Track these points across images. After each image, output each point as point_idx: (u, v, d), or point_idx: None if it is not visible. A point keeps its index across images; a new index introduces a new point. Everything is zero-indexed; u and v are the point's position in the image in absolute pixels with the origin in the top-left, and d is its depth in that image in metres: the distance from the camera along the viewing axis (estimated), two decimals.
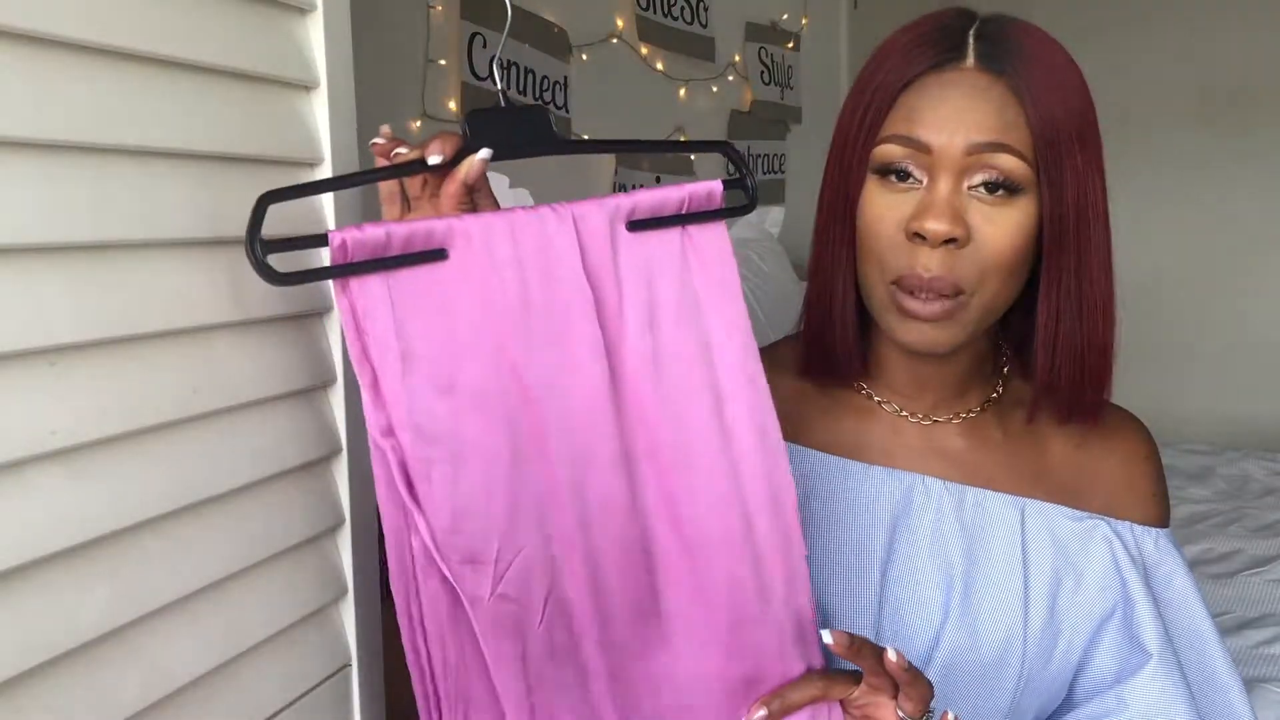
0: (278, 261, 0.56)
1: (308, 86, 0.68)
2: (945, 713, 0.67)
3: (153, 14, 0.56)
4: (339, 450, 0.71)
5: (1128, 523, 0.84)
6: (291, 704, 0.66)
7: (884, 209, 0.76)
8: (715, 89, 2.62)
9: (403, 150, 0.64)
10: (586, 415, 0.62)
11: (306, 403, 0.68)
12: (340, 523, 0.71)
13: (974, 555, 0.82)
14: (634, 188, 2.26)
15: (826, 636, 0.66)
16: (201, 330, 0.60)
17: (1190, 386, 3.17)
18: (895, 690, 0.67)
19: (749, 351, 0.67)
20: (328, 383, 0.70)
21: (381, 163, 0.65)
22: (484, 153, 0.63)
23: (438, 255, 0.58)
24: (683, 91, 2.47)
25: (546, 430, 0.61)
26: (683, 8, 2.45)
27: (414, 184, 0.67)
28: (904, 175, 0.76)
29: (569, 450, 0.62)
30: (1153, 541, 0.85)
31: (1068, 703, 0.84)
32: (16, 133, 0.49)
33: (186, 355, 0.59)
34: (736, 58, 2.73)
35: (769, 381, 0.69)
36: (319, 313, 0.70)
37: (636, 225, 0.64)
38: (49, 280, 0.51)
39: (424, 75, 1.70)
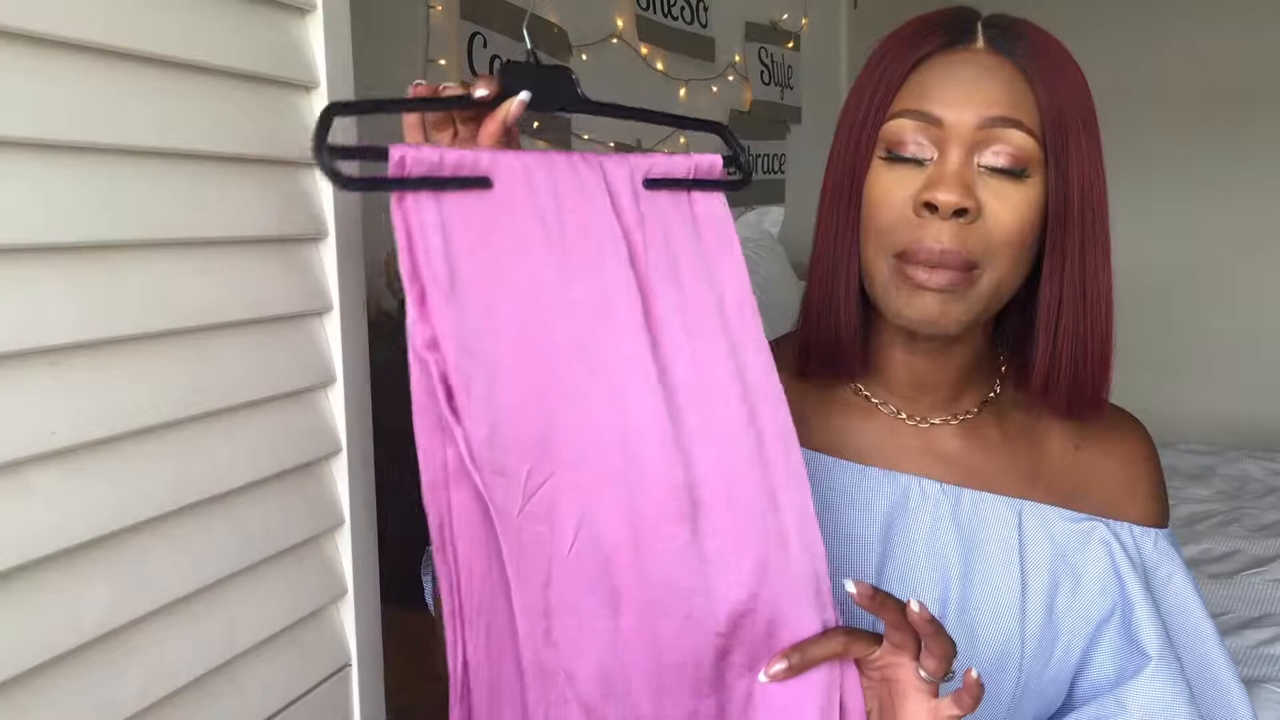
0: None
1: (308, 86, 0.68)
2: (969, 670, 0.66)
3: (153, 14, 0.56)
4: (339, 450, 0.71)
5: (1126, 524, 0.84)
6: (291, 704, 0.66)
7: (892, 185, 0.76)
8: (715, 89, 2.62)
9: (450, 85, 0.66)
10: (621, 350, 0.64)
11: (306, 403, 0.68)
12: (340, 523, 0.71)
13: (971, 558, 0.82)
14: None
15: (849, 585, 0.65)
16: (201, 330, 0.60)
17: (1190, 386, 3.17)
18: (917, 650, 0.66)
19: (754, 310, 0.70)
20: (327, 383, 0.70)
21: (418, 127, 0.68)
22: (524, 95, 0.66)
23: (483, 183, 0.61)
24: (683, 91, 2.47)
25: (580, 365, 0.63)
26: (683, 8, 2.45)
27: (445, 136, 0.69)
28: (914, 160, 0.76)
29: (607, 385, 0.63)
30: (1152, 542, 0.85)
31: (1067, 705, 0.84)
32: (17, 133, 0.49)
33: (186, 355, 0.59)
34: (736, 58, 2.73)
35: None
36: (319, 313, 0.70)
37: (652, 184, 0.67)
38: (49, 280, 0.51)
39: (424, 75, 1.70)
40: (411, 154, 0.58)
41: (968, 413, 0.86)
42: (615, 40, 2.23)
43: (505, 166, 0.62)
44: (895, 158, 0.76)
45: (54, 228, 0.51)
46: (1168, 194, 3.14)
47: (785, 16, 2.98)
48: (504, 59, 1.84)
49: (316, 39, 0.68)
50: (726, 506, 0.67)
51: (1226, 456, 2.78)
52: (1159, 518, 0.86)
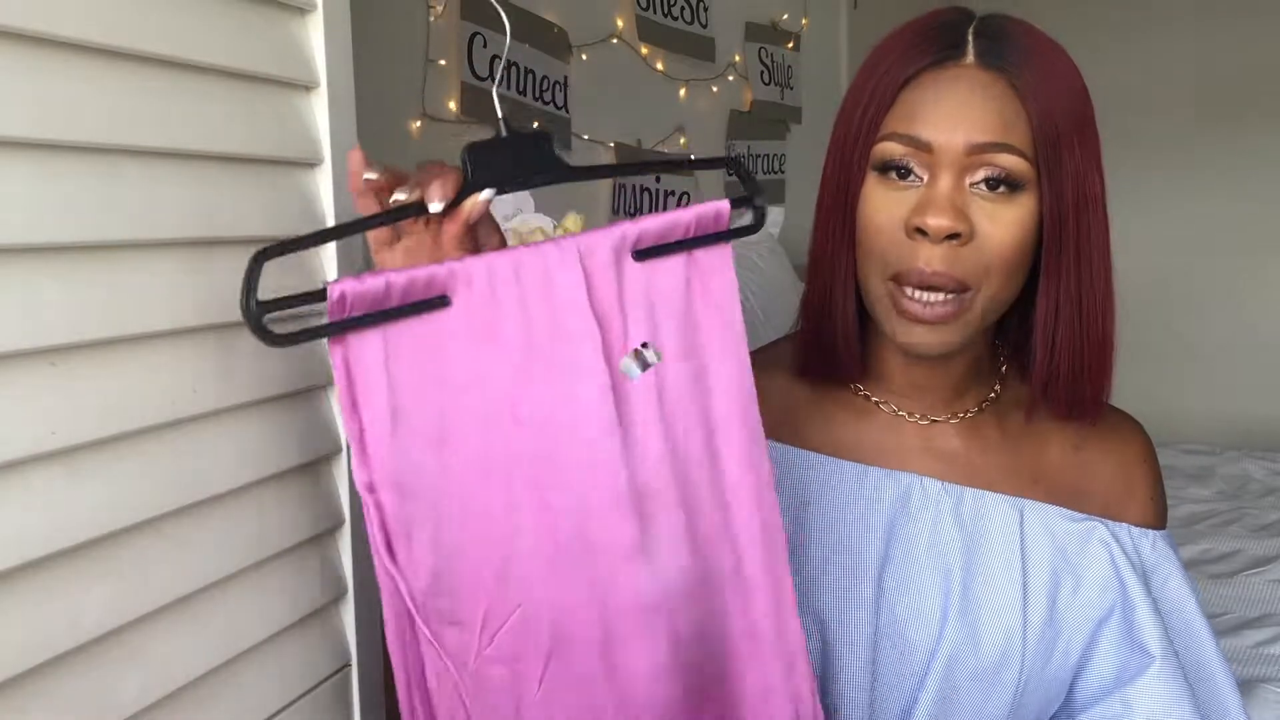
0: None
1: (308, 86, 0.68)
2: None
3: (154, 14, 0.56)
4: (338, 451, 0.71)
5: (1125, 525, 0.84)
6: (291, 704, 0.66)
7: (884, 205, 0.76)
8: (715, 89, 2.62)
9: (400, 196, 0.62)
10: (590, 455, 0.60)
11: (305, 403, 0.68)
12: (340, 523, 0.71)
13: (972, 557, 0.82)
14: (634, 188, 2.26)
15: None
16: (200, 330, 0.60)
17: (1190, 386, 3.17)
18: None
19: (744, 380, 0.66)
20: (327, 384, 0.70)
21: (374, 206, 0.63)
22: (486, 193, 0.62)
23: (440, 302, 0.56)
24: (683, 91, 2.47)
25: (547, 478, 0.59)
26: (683, 8, 2.45)
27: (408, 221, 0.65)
28: (905, 173, 0.76)
29: (574, 496, 0.60)
30: (1150, 544, 0.85)
31: (1067, 705, 0.84)
32: (18, 133, 0.49)
33: (186, 355, 0.59)
34: (737, 58, 2.72)
35: (765, 382, 0.69)
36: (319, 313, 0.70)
37: (643, 254, 0.63)
38: (50, 280, 0.51)
39: (424, 75, 1.70)
40: (353, 290, 0.53)
41: (968, 411, 0.86)
42: (615, 40, 2.23)
43: (464, 278, 0.56)
44: (887, 176, 0.76)
45: (53, 227, 0.51)
46: (1168, 194, 3.14)
47: (785, 16, 2.98)
48: (503, 59, 1.84)
49: (316, 39, 0.68)
50: (687, 611, 0.64)
51: (1226, 456, 2.78)
52: (1157, 519, 0.87)
